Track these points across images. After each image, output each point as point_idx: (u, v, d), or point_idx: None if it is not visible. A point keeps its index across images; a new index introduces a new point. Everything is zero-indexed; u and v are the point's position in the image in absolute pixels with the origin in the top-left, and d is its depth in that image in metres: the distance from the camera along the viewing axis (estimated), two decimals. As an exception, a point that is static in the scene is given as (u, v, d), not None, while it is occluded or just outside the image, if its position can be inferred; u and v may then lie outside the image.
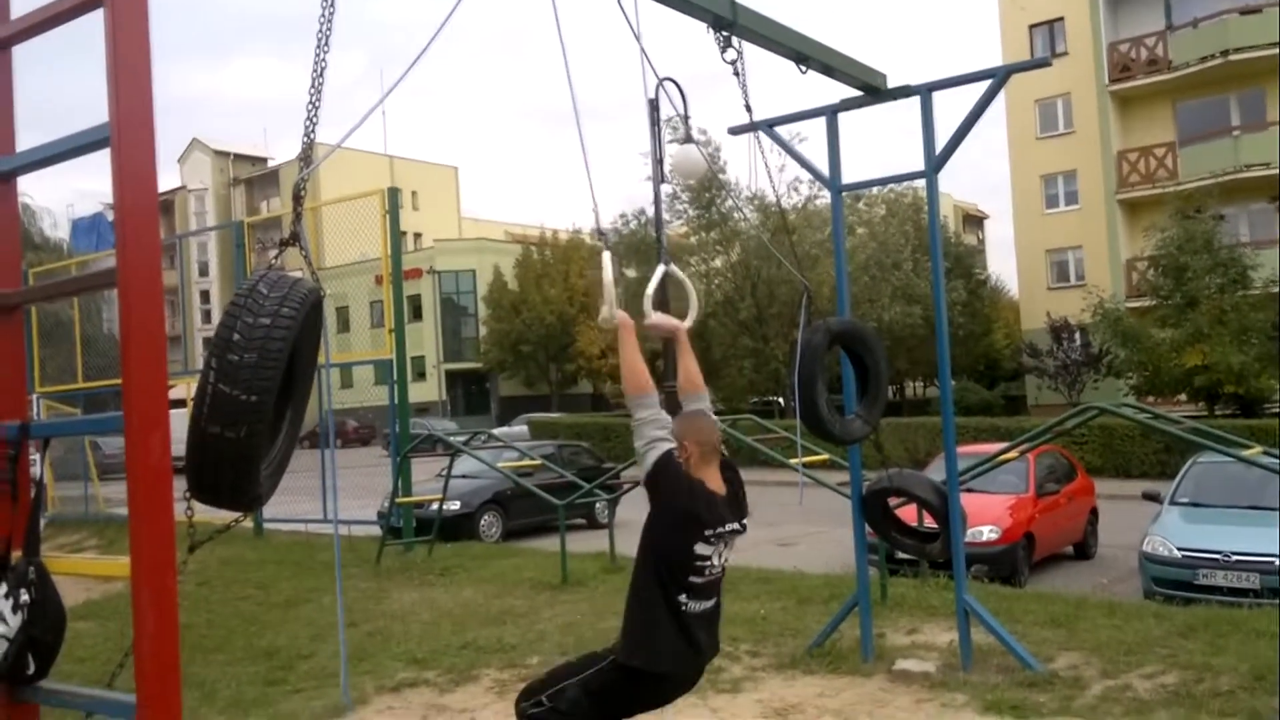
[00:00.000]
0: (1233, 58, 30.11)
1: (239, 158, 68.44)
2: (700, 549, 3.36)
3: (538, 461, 14.63)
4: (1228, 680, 6.05)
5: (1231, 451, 8.06)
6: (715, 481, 3.48)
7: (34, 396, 16.34)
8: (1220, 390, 24.88)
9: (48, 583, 3.03)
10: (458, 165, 70.92)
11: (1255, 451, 8.04)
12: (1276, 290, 25.08)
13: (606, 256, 3.31)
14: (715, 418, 3.59)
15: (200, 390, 2.54)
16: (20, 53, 3.32)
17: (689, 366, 3.69)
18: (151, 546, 2.48)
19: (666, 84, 4.35)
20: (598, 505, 15.07)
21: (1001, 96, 6.84)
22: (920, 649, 7.15)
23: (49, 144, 3.00)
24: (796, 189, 33.33)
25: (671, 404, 3.68)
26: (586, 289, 44.79)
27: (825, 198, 28.43)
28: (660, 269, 3.45)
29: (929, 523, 7.77)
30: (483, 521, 15.95)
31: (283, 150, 72.08)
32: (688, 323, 3.84)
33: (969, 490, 9.40)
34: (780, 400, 35.40)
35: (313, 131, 3.06)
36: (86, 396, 17.94)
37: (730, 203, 33.59)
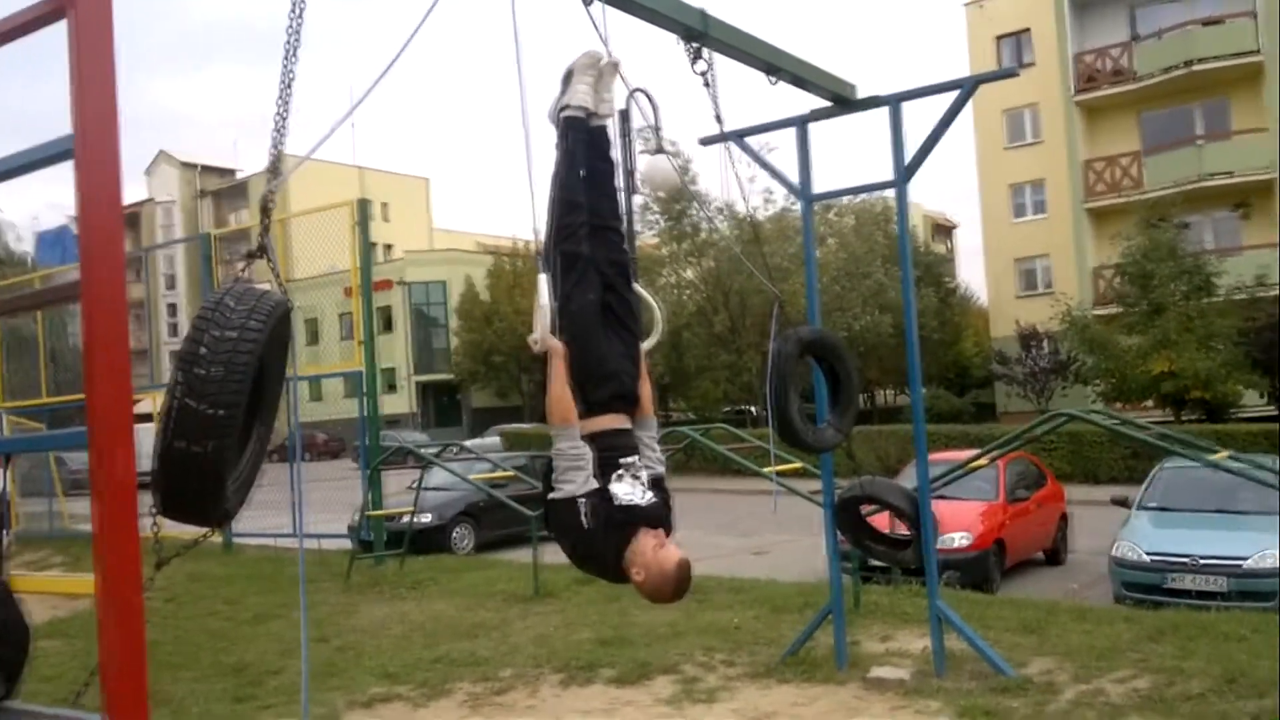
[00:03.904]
0: (1196, 68, 30.54)
1: (207, 169, 67.88)
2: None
3: (510, 473, 14.56)
4: (1198, 683, 6.10)
5: (1199, 456, 8.15)
6: None
7: (-2, 412, 16.13)
8: (1187, 396, 25.17)
9: (11, 601, 2.98)
10: (429, 176, 70.85)
11: (1222, 456, 8.14)
12: (1240, 297, 25.42)
13: (543, 279, 3.27)
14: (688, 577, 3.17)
15: (167, 404, 2.51)
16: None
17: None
18: (117, 563, 2.44)
19: (638, 95, 4.33)
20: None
21: (970, 107, 6.90)
22: (894, 656, 7.17)
23: (11, 156, 2.96)
24: (769, 199, 33.54)
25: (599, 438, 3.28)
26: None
27: (798, 209, 28.55)
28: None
29: (901, 530, 7.80)
30: (455, 534, 15.86)
31: (251, 162, 71.69)
32: (650, 343, 3.73)
33: (940, 497, 9.43)
34: (753, 409, 35.51)
35: (281, 143, 3.03)
36: (51, 411, 17.72)
37: (701, 213, 33.68)
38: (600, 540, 3.11)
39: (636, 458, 3.26)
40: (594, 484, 3.12)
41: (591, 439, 3.18)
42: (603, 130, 3.60)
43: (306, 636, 6.42)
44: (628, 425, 3.33)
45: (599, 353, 3.30)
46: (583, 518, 3.09)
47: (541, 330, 3.22)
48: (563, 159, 3.48)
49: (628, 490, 3.16)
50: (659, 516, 3.20)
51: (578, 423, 3.17)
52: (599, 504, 3.10)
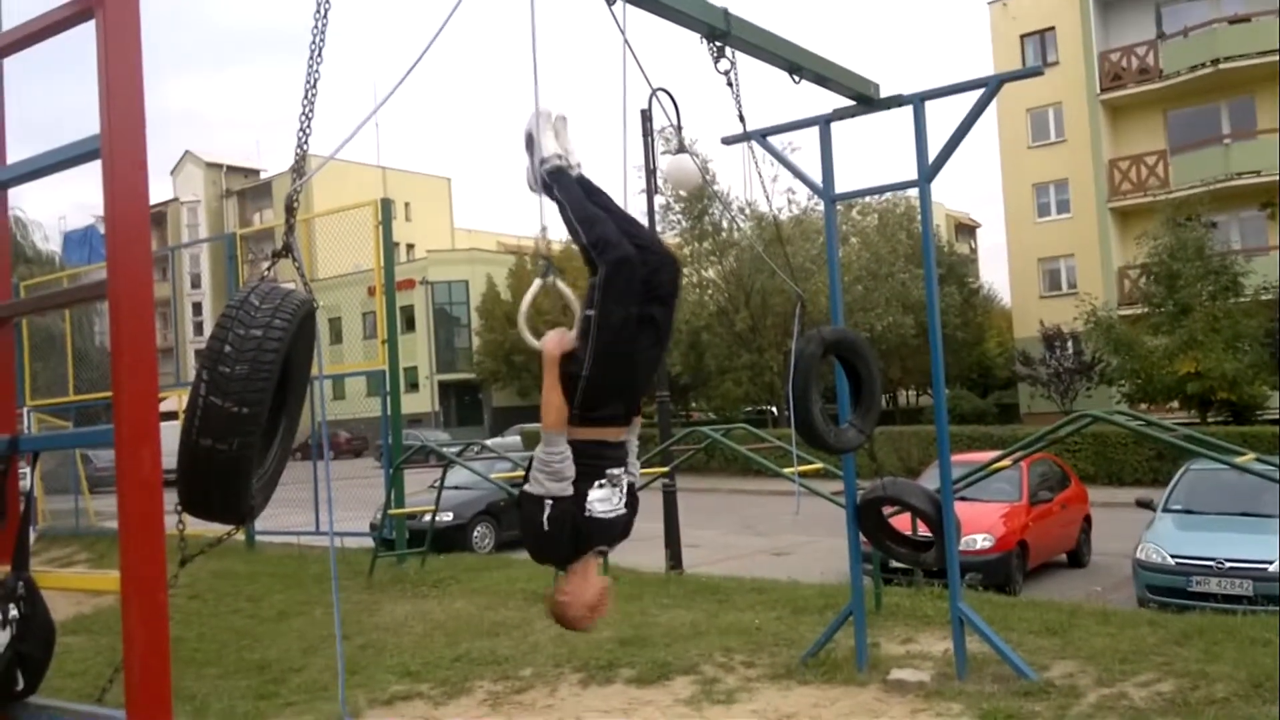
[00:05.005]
0: (1223, 66, 30.26)
1: (231, 169, 68.39)
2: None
3: (531, 472, 14.56)
4: (1223, 688, 6.04)
5: (1225, 458, 8.07)
6: None
7: (25, 410, 16.30)
8: (1213, 397, 24.95)
9: (37, 597, 3.01)
10: (451, 176, 71.06)
11: (1248, 458, 8.04)
12: (1267, 297, 25.18)
13: (536, 284, 3.31)
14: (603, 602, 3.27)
15: (192, 403, 2.52)
16: (11, 64, 3.32)
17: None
18: (142, 560, 2.46)
19: (660, 94, 4.34)
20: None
21: (993, 106, 6.86)
22: (915, 658, 7.14)
23: (39, 156, 2.99)
24: (792, 199, 33.45)
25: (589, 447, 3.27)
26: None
27: (820, 208, 28.53)
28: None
29: (923, 531, 7.77)
30: (476, 533, 15.92)
31: (275, 162, 72.16)
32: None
33: (963, 499, 9.39)
34: (774, 410, 35.41)
35: (305, 143, 3.05)
36: (78, 409, 17.88)
37: (722, 212, 33.61)
38: (559, 546, 3.17)
39: (623, 470, 3.28)
40: (569, 492, 3.13)
41: (582, 444, 3.19)
42: (582, 176, 3.56)
43: (341, 633, 6.44)
44: (622, 438, 3.33)
45: (625, 376, 3.27)
46: (544, 520, 3.12)
47: (529, 329, 3.29)
48: (565, 199, 3.43)
49: (604, 499, 3.18)
50: (620, 533, 3.28)
51: (566, 430, 3.18)
52: (566, 510, 3.11)
